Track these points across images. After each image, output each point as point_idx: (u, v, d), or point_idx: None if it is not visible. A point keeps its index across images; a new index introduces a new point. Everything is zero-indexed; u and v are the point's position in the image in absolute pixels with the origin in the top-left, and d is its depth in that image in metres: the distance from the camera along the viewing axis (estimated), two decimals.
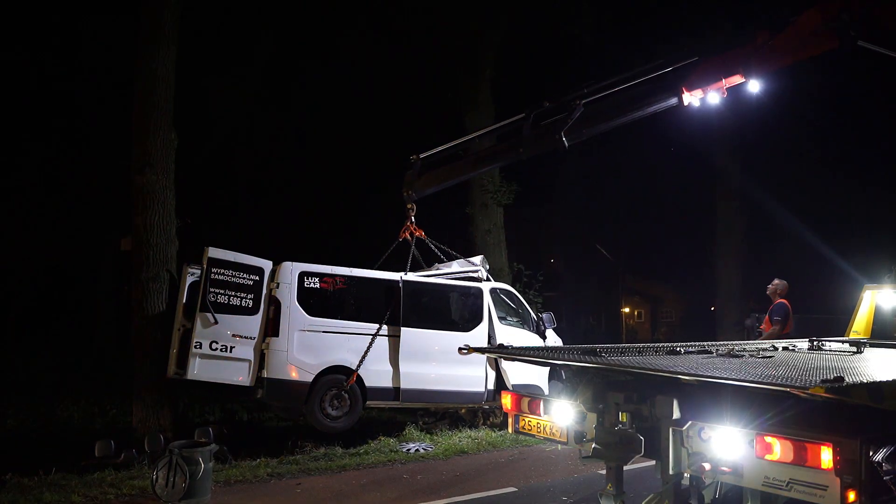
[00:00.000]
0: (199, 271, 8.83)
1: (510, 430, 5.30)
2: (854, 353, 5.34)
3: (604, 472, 4.54)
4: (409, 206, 9.38)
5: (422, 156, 8.99)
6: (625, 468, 4.42)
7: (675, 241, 36.19)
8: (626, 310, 42.92)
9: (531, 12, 15.64)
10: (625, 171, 35.92)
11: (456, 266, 10.65)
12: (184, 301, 8.79)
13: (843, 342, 6.32)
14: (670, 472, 3.95)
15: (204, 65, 17.68)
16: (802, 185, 25.81)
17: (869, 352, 5.55)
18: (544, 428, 4.92)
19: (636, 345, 6.03)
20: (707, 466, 3.71)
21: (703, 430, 3.79)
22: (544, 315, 10.99)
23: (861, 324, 7.70)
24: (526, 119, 7.92)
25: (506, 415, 5.37)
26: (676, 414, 3.95)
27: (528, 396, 5.14)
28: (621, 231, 39.76)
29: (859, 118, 26.29)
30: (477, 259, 10.88)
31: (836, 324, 8.59)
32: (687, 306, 41.35)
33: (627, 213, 39.43)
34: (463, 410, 10.90)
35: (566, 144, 7.63)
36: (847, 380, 3.05)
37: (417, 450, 9.34)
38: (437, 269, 10.72)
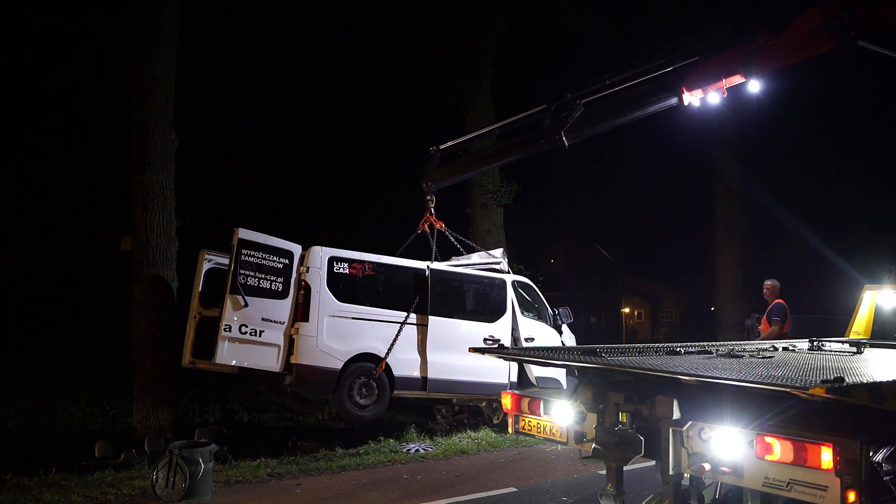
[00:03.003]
0: (216, 257, 8.72)
1: (510, 430, 5.30)
2: (854, 353, 5.34)
3: (604, 472, 4.54)
4: (427, 197, 9.29)
5: (441, 147, 8.91)
6: (625, 468, 4.41)
7: (675, 241, 36.27)
8: (626, 310, 42.94)
9: (531, 12, 15.65)
10: (625, 171, 36.01)
11: (477, 258, 10.61)
12: (200, 288, 8.66)
13: (843, 342, 6.32)
14: (670, 472, 3.94)
15: (204, 65, 17.68)
16: (802, 184, 25.84)
17: (869, 352, 5.54)
18: (544, 428, 4.92)
19: (636, 345, 6.03)
20: (707, 467, 3.71)
21: (703, 431, 3.79)
22: (561, 310, 10.94)
23: (861, 324, 7.70)
24: (547, 110, 7.86)
25: (506, 415, 5.37)
26: (676, 414, 3.95)
27: (528, 396, 5.14)
28: (621, 231, 39.84)
29: (859, 118, 26.32)
30: (497, 251, 10.85)
31: (836, 324, 8.60)
32: (687, 306, 41.39)
33: (627, 213, 39.52)
34: (483, 403, 10.81)
35: (566, 144, 7.62)
36: (847, 380, 3.05)
37: (417, 450, 9.33)
38: (457, 260, 10.69)
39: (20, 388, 13.39)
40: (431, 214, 9.52)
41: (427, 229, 9.69)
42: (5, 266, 20.47)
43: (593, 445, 4.39)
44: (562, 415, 4.75)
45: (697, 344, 5.43)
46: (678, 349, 4.94)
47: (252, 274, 8.21)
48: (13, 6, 16.44)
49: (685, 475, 4.13)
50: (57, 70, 17.63)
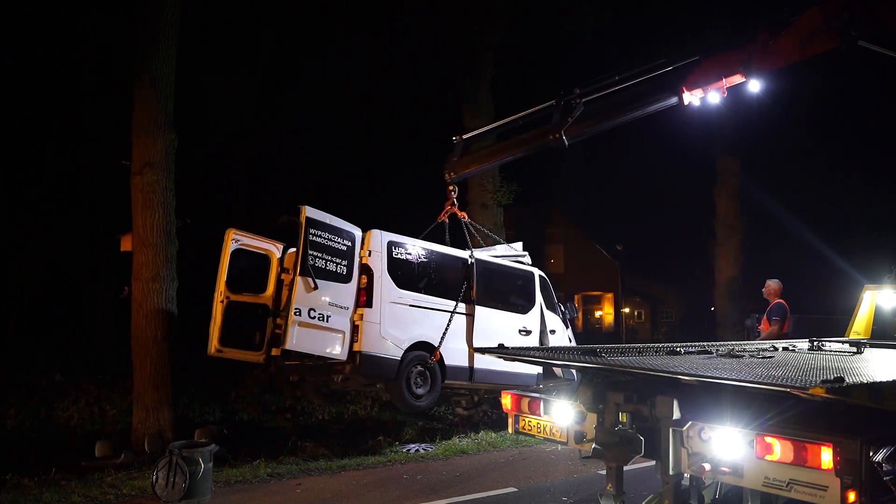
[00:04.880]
0: (243, 238, 8.49)
1: (510, 430, 5.29)
2: (854, 353, 5.33)
3: (604, 472, 4.54)
4: (450, 187, 9.12)
5: (464, 137, 8.80)
6: (625, 468, 4.41)
7: (675, 241, 36.24)
8: (627, 310, 42.91)
9: (531, 12, 15.64)
10: (625, 170, 36.02)
11: (501, 250, 10.56)
12: (226, 270, 8.31)
13: (843, 342, 6.31)
14: (670, 472, 3.94)
15: (204, 65, 17.68)
16: (802, 184, 25.85)
17: (869, 352, 5.53)
18: (544, 428, 4.91)
19: (636, 345, 6.02)
20: (707, 467, 3.71)
21: (703, 431, 3.79)
22: (568, 304, 11.01)
23: (861, 324, 7.70)
24: (557, 105, 7.79)
25: (506, 415, 5.37)
26: (676, 414, 3.95)
27: (528, 397, 5.14)
28: (621, 231, 39.82)
29: (860, 118, 26.32)
30: (518, 245, 10.81)
31: (836, 324, 8.59)
32: (687, 306, 41.37)
33: (627, 213, 39.52)
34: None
35: (566, 143, 7.62)
36: (847, 380, 3.05)
37: (417, 450, 9.34)
38: (482, 252, 10.64)
39: (20, 388, 13.37)
40: (454, 205, 9.30)
41: (446, 219, 9.48)
42: (5, 266, 20.47)
43: (593, 445, 4.39)
44: (562, 415, 4.75)
45: (697, 344, 5.43)
46: (678, 349, 4.94)
47: (319, 255, 7.78)
48: (13, 6, 16.43)
49: (685, 475, 4.14)
50: (57, 70, 17.63)
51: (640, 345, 5.96)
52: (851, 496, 3.16)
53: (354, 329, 8.05)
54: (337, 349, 7.91)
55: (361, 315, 8.07)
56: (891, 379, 3.42)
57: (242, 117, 21.64)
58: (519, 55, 18.08)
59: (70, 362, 17.03)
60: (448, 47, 15.18)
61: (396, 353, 8.29)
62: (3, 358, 17.01)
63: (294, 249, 8.76)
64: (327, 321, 7.81)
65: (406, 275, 8.62)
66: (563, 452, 8.55)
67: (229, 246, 8.38)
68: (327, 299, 7.84)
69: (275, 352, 8.40)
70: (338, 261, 7.99)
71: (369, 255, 8.25)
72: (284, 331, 7.56)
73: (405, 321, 8.47)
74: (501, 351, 5.41)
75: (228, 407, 12.69)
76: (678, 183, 32.15)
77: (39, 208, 19.13)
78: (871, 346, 6.11)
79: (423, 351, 8.60)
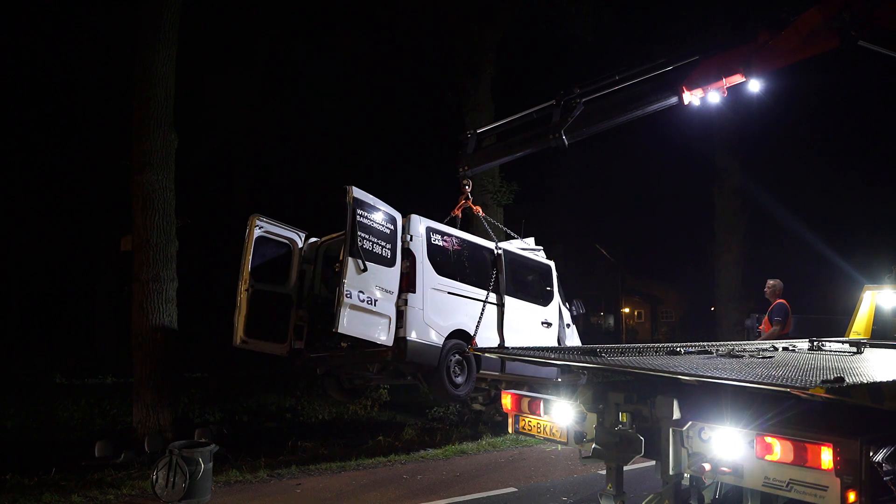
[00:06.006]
0: (266, 224, 8.28)
1: (510, 430, 5.28)
2: (854, 353, 5.33)
3: (604, 472, 4.54)
4: (464, 182, 8.99)
5: (478, 131, 8.75)
6: (625, 468, 4.41)
7: (675, 240, 36.30)
8: (626, 310, 42.93)
9: (531, 12, 15.64)
10: (625, 170, 36.02)
11: (517, 244, 10.51)
12: (250, 257, 8.09)
13: (843, 342, 6.31)
14: (670, 472, 3.94)
15: (204, 65, 17.68)
16: (802, 184, 25.86)
17: (869, 352, 5.53)
18: (544, 428, 4.91)
19: (636, 345, 6.02)
20: (707, 467, 3.71)
21: (703, 431, 3.79)
22: (575, 301, 11.00)
23: (861, 324, 7.69)
24: (556, 104, 7.76)
25: (506, 415, 5.37)
26: (676, 414, 3.94)
27: (528, 396, 5.13)
28: (621, 231, 39.83)
29: (860, 118, 26.34)
30: (531, 240, 10.81)
31: (836, 324, 8.59)
32: (687, 306, 41.40)
33: (627, 213, 39.52)
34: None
35: (566, 143, 7.62)
36: (847, 380, 3.04)
37: (418, 449, 9.33)
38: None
39: (20, 388, 13.38)
40: (468, 199, 9.17)
41: (458, 214, 9.36)
42: (6, 266, 20.48)
43: (593, 445, 4.38)
44: (562, 415, 4.75)
45: (697, 344, 5.42)
46: (678, 349, 4.93)
47: (367, 237, 7.49)
48: (14, 6, 16.44)
49: (685, 475, 4.13)
50: (58, 70, 17.64)
51: (640, 345, 5.95)
52: (851, 496, 3.16)
53: (399, 315, 7.79)
54: (383, 335, 7.61)
55: (406, 300, 7.83)
56: (891, 379, 3.42)
57: (242, 117, 21.66)
58: (519, 55, 18.09)
59: (70, 362, 17.06)
60: (449, 47, 15.19)
61: (438, 341, 8.10)
62: (3, 358, 17.01)
63: (315, 239, 8.74)
64: (375, 305, 7.52)
65: (443, 262, 8.46)
66: (563, 452, 8.54)
67: (253, 232, 8.14)
68: (374, 283, 7.54)
69: (298, 344, 8.27)
70: (382, 244, 7.71)
71: (410, 239, 8.05)
72: (336, 314, 7.14)
73: (445, 308, 8.30)
74: (502, 351, 5.43)
75: (228, 407, 12.70)
76: (678, 183, 32.21)
77: (40, 209, 19.15)
78: (871, 346, 6.11)
79: (461, 340, 8.41)
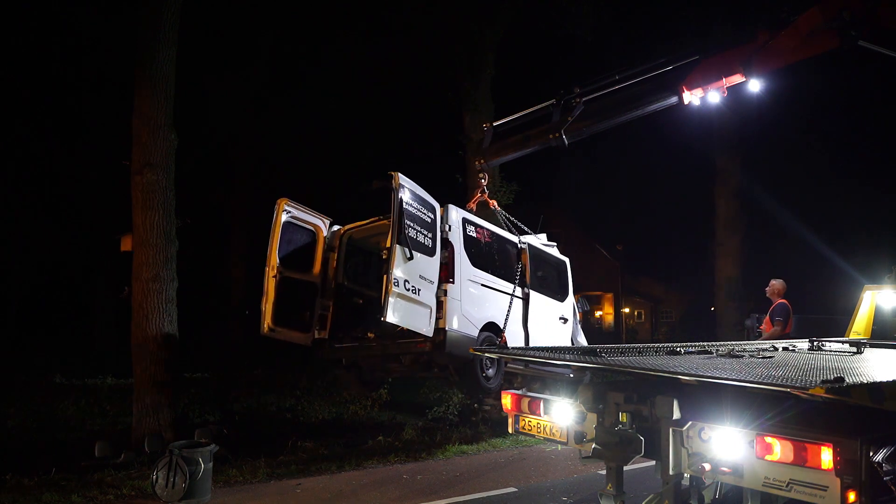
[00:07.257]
0: (294, 209, 8.12)
1: (510, 429, 5.28)
2: (854, 353, 5.33)
3: (604, 472, 4.54)
4: (479, 175, 8.89)
5: (495, 124, 8.63)
6: (625, 468, 4.41)
7: (675, 241, 36.29)
8: (626, 310, 42.92)
9: (531, 12, 15.65)
10: (625, 170, 36.05)
11: (531, 239, 10.59)
12: (277, 243, 7.92)
13: (843, 342, 6.31)
14: (670, 472, 3.94)
15: (204, 65, 17.69)
16: (803, 184, 25.86)
17: (869, 352, 5.53)
18: (544, 428, 4.91)
19: (636, 345, 6.01)
20: (707, 467, 3.71)
21: (703, 431, 3.79)
22: (580, 298, 10.98)
23: (861, 324, 7.70)
24: (557, 104, 7.73)
25: (506, 414, 5.36)
26: (676, 414, 3.94)
27: (528, 397, 5.13)
28: (621, 231, 39.85)
29: (860, 118, 26.37)
30: (543, 236, 10.80)
31: (836, 324, 8.59)
32: (687, 306, 41.37)
33: (627, 213, 39.54)
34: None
35: (566, 142, 7.62)
36: (847, 380, 3.04)
37: (418, 449, 9.33)
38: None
39: (20, 388, 13.38)
40: (484, 192, 9.06)
41: (473, 207, 9.18)
42: (6, 266, 20.49)
43: (593, 445, 4.38)
44: (562, 415, 4.74)
45: (697, 344, 5.42)
46: (678, 349, 4.93)
47: (411, 225, 7.27)
48: (14, 6, 16.45)
49: (685, 475, 4.13)
50: (58, 70, 17.65)
51: (640, 345, 5.95)
52: (851, 496, 3.16)
53: (439, 305, 7.63)
54: (425, 325, 7.43)
55: (445, 291, 7.69)
56: (891, 379, 3.42)
57: (242, 117, 21.66)
58: (519, 55, 18.09)
59: (70, 362, 17.06)
60: (448, 47, 15.18)
61: (473, 333, 8.01)
62: (3, 358, 17.01)
63: (338, 227, 8.62)
64: (419, 294, 7.33)
65: (476, 253, 8.36)
66: (563, 452, 8.54)
67: (281, 216, 7.95)
68: (418, 272, 7.35)
69: (321, 334, 8.17)
70: (425, 232, 7.53)
71: (449, 229, 7.91)
72: (384, 302, 6.93)
73: (479, 301, 8.24)
74: (502, 351, 5.43)
75: (228, 407, 12.69)
76: (678, 183, 32.21)
77: (40, 209, 19.16)
78: (871, 346, 6.11)
79: (491, 332, 8.33)
